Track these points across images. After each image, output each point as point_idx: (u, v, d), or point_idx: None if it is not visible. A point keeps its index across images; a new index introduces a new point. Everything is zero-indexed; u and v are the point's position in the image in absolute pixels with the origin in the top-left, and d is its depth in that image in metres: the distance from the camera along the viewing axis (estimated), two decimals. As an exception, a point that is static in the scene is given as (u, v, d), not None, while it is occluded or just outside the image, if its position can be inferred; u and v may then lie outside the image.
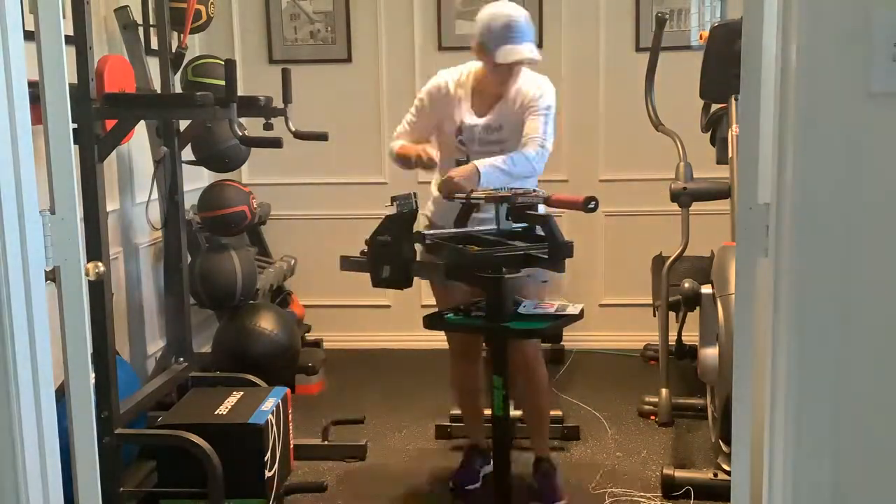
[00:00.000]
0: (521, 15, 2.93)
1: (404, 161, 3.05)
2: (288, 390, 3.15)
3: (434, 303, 3.17)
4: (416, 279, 2.79)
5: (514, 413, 3.46)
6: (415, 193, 2.79)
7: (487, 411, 3.40)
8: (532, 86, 3.01)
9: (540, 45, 4.65)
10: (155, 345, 3.97)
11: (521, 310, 2.73)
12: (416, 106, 3.13)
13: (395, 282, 2.75)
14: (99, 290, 2.60)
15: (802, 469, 1.58)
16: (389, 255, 2.72)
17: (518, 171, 2.91)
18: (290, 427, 3.14)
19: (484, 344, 3.19)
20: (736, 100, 3.52)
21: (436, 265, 2.78)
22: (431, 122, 3.11)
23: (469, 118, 3.05)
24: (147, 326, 3.92)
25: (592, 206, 2.59)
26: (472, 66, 3.08)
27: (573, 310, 2.75)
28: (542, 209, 2.88)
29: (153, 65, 3.59)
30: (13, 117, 1.65)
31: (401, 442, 3.73)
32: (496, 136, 3.03)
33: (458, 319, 2.80)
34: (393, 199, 2.73)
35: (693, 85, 3.79)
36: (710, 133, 4.04)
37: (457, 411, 3.70)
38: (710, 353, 3.27)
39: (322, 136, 3.26)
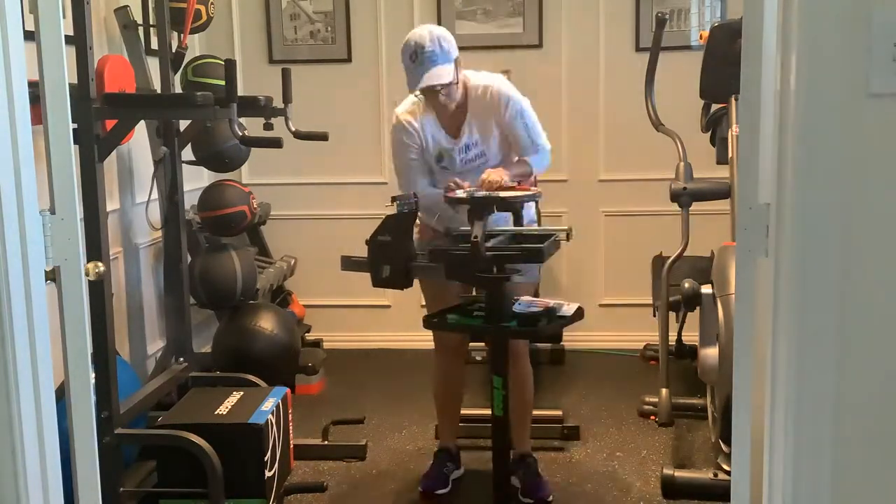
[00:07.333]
0: (427, 38, 2.85)
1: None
2: (288, 390, 3.15)
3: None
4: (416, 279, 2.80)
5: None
6: (415, 194, 2.79)
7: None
8: (488, 95, 2.98)
9: (540, 45, 4.67)
10: (155, 345, 3.97)
11: (515, 308, 2.73)
12: (409, 158, 3.04)
13: (394, 281, 2.76)
14: (99, 290, 2.60)
15: (802, 469, 1.58)
16: (389, 254, 2.72)
17: (540, 170, 3.12)
18: (290, 427, 3.14)
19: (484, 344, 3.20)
20: (736, 100, 3.52)
21: (436, 265, 2.78)
22: (423, 161, 3.07)
23: (446, 142, 3.03)
24: (147, 326, 3.92)
25: None
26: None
27: (568, 309, 2.76)
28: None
29: (153, 65, 3.59)
30: (13, 117, 1.65)
31: (401, 442, 3.72)
32: (475, 151, 3.04)
33: (459, 320, 2.80)
34: (393, 198, 2.74)
35: (693, 85, 3.79)
36: (710, 133, 4.04)
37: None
38: (710, 353, 3.27)
39: (322, 136, 3.26)
